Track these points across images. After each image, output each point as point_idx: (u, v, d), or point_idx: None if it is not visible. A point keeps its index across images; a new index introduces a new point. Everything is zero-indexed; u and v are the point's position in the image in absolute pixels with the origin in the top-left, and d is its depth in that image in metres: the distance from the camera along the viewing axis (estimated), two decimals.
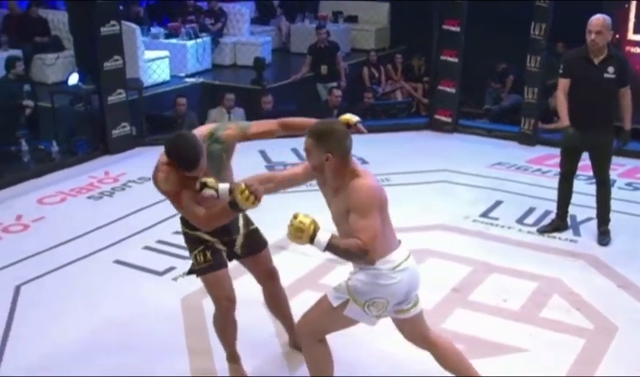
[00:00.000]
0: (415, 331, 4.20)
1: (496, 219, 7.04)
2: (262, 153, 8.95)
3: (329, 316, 3.96)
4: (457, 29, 9.52)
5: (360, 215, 3.64)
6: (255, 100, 10.92)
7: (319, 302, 4.04)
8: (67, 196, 7.84)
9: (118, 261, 6.24)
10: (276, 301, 4.81)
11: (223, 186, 3.96)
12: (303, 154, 8.10)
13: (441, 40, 9.70)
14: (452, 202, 7.46)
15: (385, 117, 10.65)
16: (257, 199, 3.80)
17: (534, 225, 6.88)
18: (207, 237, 4.34)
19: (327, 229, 3.58)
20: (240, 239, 4.54)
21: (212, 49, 13.60)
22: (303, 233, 3.53)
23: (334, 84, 11.76)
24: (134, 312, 5.19)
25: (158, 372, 4.66)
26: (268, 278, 4.73)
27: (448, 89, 9.81)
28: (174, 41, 13.00)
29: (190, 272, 4.47)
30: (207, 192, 3.96)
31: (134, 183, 8.17)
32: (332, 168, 3.79)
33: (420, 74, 13.32)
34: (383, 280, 3.83)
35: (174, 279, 5.90)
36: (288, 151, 8.89)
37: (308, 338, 4.06)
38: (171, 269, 6.06)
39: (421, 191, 7.77)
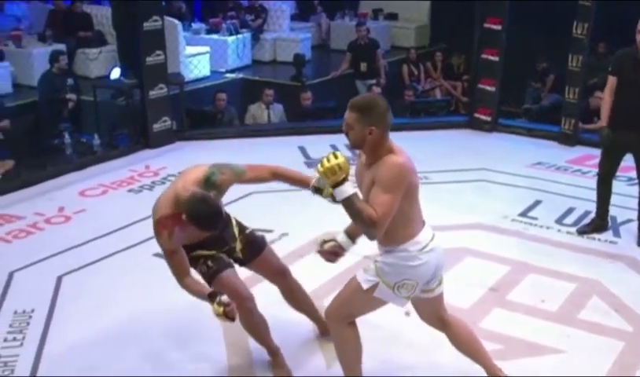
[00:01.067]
0: (434, 310, 4.23)
1: (535, 219, 6.98)
2: (302, 149, 8.95)
3: (360, 298, 3.97)
4: (498, 28, 9.45)
5: (383, 190, 3.63)
6: (294, 97, 10.93)
7: (348, 285, 4.04)
8: (108, 189, 7.91)
9: (157, 255, 6.23)
10: (294, 295, 4.82)
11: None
12: (343, 151, 8.08)
13: (482, 38, 9.63)
14: (491, 201, 7.41)
15: (424, 115, 10.60)
16: (228, 319, 4.00)
17: (573, 225, 6.82)
18: (205, 252, 4.40)
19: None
20: (238, 245, 4.58)
21: (252, 45, 13.63)
22: (341, 171, 3.57)
23: (373, 81, 11.75)
24: (171, 305, 5.20)
25: (196, 365, 4.70)
26: (279, 275, 4.76)
27: (488, 88, 9.73)
28: (215, 36, 13.05)
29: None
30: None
31: (174, 177, 8.17)
32: (372, 142, 3.74)
33: (459, 72, 13.27)
34: (411, 261, 3.83)
35: None
36: (327, 148, 8.87)
37: (338, 321, 4.07)
38: None
39: (460, 189, 7.72)
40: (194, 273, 4.31)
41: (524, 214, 7.10)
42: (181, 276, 4.16)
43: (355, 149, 3.95)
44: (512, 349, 4.84)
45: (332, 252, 4.16)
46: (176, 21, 11.47)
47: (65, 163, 8.61)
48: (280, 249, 6.17)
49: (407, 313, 5.04)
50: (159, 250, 6.19)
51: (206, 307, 4.99)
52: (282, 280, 4.77)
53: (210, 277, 4.36)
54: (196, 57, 12.01)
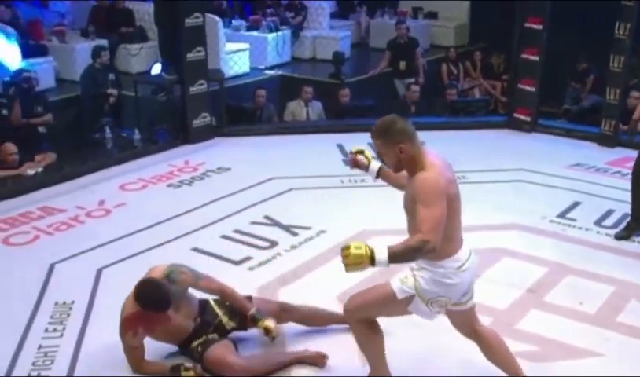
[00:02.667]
0: (466, 322, 4.22)
1: (573, 220, 6.91)
2: (340, 147, 8.93)
3: (390, 305, 3.96)
4: (539, 27, 9.36)
5: (423, 206, 3.62)
6: (332, 94, 10.93)
7: (379, 289, 4.01)
8: (147, 184, 7.97)
9: (195, 249, 6.32)
10: (307, 321, 4.97)
11: None
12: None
13: (522, 38, 9.54)
14: (529, 201, 7.35)
15: (463, 114, 10.53)
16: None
17: (612, 227, 6.74)
18: (197, 342, 4.59)
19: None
20: (224, 318, 4.72)
21: (292, 42, 13.65)
22: (362, 259, 3.52)
23: (412, 80, 11.69)
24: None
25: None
26: (282, 312, 4.86)
27: (528, 88, 9.65)
28: (255, 33, 13.09)
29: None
30: None
31: (213, 173, 8.26)
32: (407, 158, 3.77)
33: (499, 72, 13.18)
34: (448, 279, 3.83)
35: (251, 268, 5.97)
36: (365, 145, 8.84)
37: (358, 319, 4.06)
38: (248, 258, 6.12)
39: (498, 190, 7.67)
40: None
41: (562, 215, 7.03)
42: (135, 366, 4.52)
43: (398, 172, 3.95)
44: (549, 351, 4.80)
45: (357, 162, 4.33)
46: (217, 18, 11.50)
47: (106, 158, 8.69)
48: (317, 246, 6.25)
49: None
50: (197, 244, 6.35)
51: None
52: (287, 315, 4.88)
53: (200, 361, 4.52)
54: (236, 54, 12.05)
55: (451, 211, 3.73)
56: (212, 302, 4.78)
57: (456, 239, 3.87)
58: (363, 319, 4.07)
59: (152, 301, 4.36)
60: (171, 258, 6.05)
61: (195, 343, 4.59)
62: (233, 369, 4.46)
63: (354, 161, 4.37)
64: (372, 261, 3.51)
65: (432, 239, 3.57)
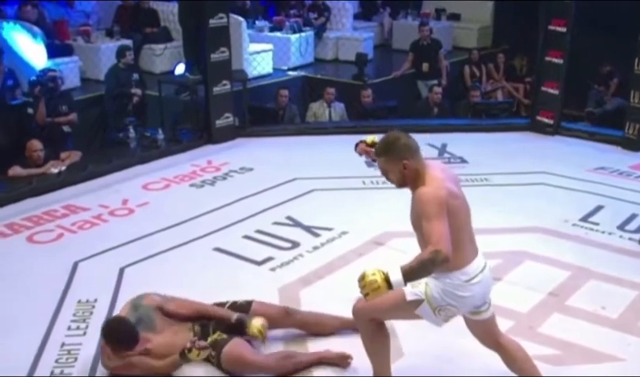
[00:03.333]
0: (487, 332, 4.19)
1: (596, 224, 6.85)
2: None
3: (399, 307, 3.95)
4: (563, 29, 9.29)
5: (426, 220, 3.63)
6: (355, 96, 10.92)
7: (389, 293, 3.90)
8: (170, 183, 7.99)
9: (217, 249, 6.33)
10: (310, 324, 4.96)
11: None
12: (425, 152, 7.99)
13: (546, 40, 9.49)
14: (551, 205, 7.29)
15: (486, 117, 10.49)
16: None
17: (636, 231, 6.67)
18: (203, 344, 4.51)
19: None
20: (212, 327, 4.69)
21: (315, 43, 13.65)
22: (378, 284, 3.52)
23: (435, 82, 11.66)
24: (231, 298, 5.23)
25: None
26: (285, 315, 4.89)
27: (551, 91, 9.58)
28: (278, 34, 13.11)
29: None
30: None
31: (236, 173, 8.27)
32: (411, 175, 3.79)
33: (521, 74, 13.11)
34: (457, 290, 3.84)
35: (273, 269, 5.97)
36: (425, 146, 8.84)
37: (367, 320, 4.07)
38: (270, 258, 6.12)
39: (520, 192, 7.62)
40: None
41: (584, 218, 6.97)
42: (150, 370, 4.44)
43: (401, 188, 3.92)
44: (570, 355, 4.77)
45: (367, 152, 4.39)
46: (240, 18, 11.52)
47: (129, 157, 8.72)
48: (339, 247, 6.24)
49: None
50: (219, 244, 6.37)
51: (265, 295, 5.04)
52: (290, 320, 4.89)
53: (217, 361, 4.48)
54: (260, 55, 12.07)
55: (456, 223, 3.72)
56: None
57: (465, 251, 3.86)
58: (372, 320, 4.06)
59: (118, 340, 4.43)
60: (193, 258, 6.15)
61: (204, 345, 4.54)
62: (252, 367, 4.48)
63: (363, 149, 4.46)
64: (388, 284, 3.52)
65: (442, 247, 3.55)
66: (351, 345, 4.67)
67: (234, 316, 4.65)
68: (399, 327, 4.81)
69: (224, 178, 8.15)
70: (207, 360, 4.50)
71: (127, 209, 7.30)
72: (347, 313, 4.94)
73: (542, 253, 6.21)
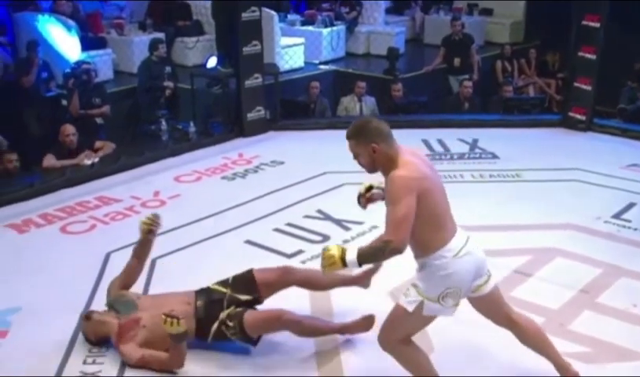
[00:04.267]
0: (495, 307, 4.18)
1: (629, 221, 6.78)
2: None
3: (409, 321, 3.95)
4: (597, 25, 9.20)
5: (390, 206, 3.70)
6: (386, 90, 10.90)
7: (394, 313, 4.02)
8: (202, 175, 8.02)
9: (248, 242, 6.35)
10: (309, 281, 4.98)
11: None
12: (435, 146, 8.02)
13: (579, 36, 9.41)
14: (583, 201, 7.23)
15: (517, 112, 10.41)
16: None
17: None
18: (217, 324, 4.63)
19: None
20: (232, 292, 4.78)
21: (346, 37, 13.63)
22: (334, 261, 3.74)
23: (466, 77, 11.60)
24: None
25: (286, 352, 4.74)
26: (284, 274, 4.91)
27: (584, 87, 9.50)
28: (310, 28, 13.10)
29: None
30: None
31: (267, 166, 8.29)
32: (381, 158, 3.82)
33: (554, 70, 13.01)
34: (445, 269, 3.81)
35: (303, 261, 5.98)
36: (419, 143, 8.83)
37: (394, 347, 4.05)
38: (300, 251, 6.14)
39: (552, 189, 7.56)
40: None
41: (617, 216, 6.90)
42: (162, 364, 4.50)
43: (373, 172, 3.95)
44: (600, 353, 4.74)
45: (370, 200, 4.35)
46: (273, 12, 11.54)
47: (161, 149, 8.76)
48: (369, 241, 6.18)
49: None
50: (250, 237, 6.39)
51: (295, 295, 5.05)
52: (290, 277, 4.88)
53: (240, 330, 4.56)
54: (291, 48, 12.09)
55: (432, 204, 3.77)
56: (212, 285, 4.83)
57: (445, 228, 3.86)
58: (399, 344, 4.04)
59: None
60: (223, 250, 6.16)
61: (216, 325, 4.60)
62: (281, 319, 4.55)
63: (367, 200, 4.39)
64: (343, 262, 3.69)
65: (394, 239, 3.65)
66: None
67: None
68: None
69: (255, 171, 8.17)
70: (221, 333, 4.58)
71: (159, 200, 7.34)
72: (377, 307, 4.97)
73: (573, 250, 6.16)
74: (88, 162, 8.07)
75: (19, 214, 6.97)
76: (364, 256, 3.76)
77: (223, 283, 4.83)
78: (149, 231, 4.96)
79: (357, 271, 4.61)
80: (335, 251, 3.76)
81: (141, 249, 5.03)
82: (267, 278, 4.82)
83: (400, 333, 4.01)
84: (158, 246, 6.15)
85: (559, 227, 6.60)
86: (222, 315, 4.61)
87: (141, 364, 4.51)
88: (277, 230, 6.57)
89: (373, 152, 3.81)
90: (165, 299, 4.81)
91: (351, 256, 3.73)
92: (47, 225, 6.81)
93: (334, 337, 4.83)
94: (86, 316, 4.74)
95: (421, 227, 3.75)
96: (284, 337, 4.75)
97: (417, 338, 4.41)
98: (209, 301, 4.71)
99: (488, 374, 4.51)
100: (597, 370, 4.54)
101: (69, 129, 8.21)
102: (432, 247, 3.82)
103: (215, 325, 4.62)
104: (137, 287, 5.43)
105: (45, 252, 6.26)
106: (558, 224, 6.66)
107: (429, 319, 3.98)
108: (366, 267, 4.52)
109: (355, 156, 3.92)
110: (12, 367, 4.60)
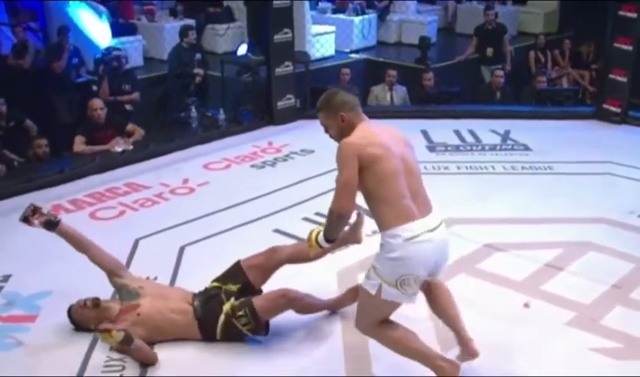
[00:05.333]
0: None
1: None
2: (424, 133, 8.88)
3: (374, 304, 3.93)
4: (634, 15, 9.09)
5: (338, 171, 3.81)
6: (418, 80, 10.85)
7: (361, 297, 4.04)
8: (231, 163, 8.04)
9: (277, 231, 6.35)
10: (294, 256, 4.96)
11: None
12: (466, 136, 7.97)
13: (616, 27, 9.30)
14: (617, 196, 7.15)
15: (550, 104, 10.34)
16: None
17: None
18: (223, 317, 4.63)
19: None
20: (225, 286, 4.80)
21: (378, 26, 13.60)
22: (311, 243, 4.01)
23: (499, 67, 11.52)
24: (290, 283, 5.25)
25: (313, 346, 4.73)
26: (271, 253, 4.95)
27: (619, 79, 9.39)
28: (341, 16, 13.09)
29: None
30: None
31: (296, 154, 8.29)
32: (349, 126, 3.91)
33: (588, 61, 12.90)
34: (395, 251, 3.76)
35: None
36: (450, 133, 8.80)
37: (373, 331, 4.05)
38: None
39: (585, 182, 7.48)
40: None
41: None
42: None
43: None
44: (633, 349, 4.69)
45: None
46: (304, 0, 11.53)
47: (191, 137, 8.79)
48: None
49: (527, 305, 5.00)
50: (279, 226, 6.40)
51: (323, 285, 5.05)
52: (277, 257, 4.90)
53: (254, 317, 4.57)
54: (322, 36, 12.10)
55: (381, 178, 3.78)
56: (208, 284, 4.86)
57: (401, 207, 3.79)
58: (376, 327, 4.02)
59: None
60: (253, 239, 6.16)
61: (222, 318, 4.61)
62: (287, 296, 4.62)
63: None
64: (319, 245, 3.98)
65: (334, 206, 3.79)
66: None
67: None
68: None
69: (285, 160, 8.18)
70: (230, 326, 4.59)
71: (188, 188, 7.37)
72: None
73: (606, 244, 6.09)
74: (119, 149, 8.10)
75: (49, 200, 7.01)
76: (325, 232, 3.94)
77: (216, 279, 4.86)
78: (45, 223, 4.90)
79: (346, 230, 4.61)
80: (313, 234, 4.00)
81: (70, 242, 4.97)
82: (254, 262, 4.84)
83: (372, 316, 4.00)
84: (186, 233, 6.25)
85: (591, 221, 6.54)
86: (226, 307, 4.61)
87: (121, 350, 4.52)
88: (306, 219, 6.56)
89: (342, 122, 3.91)
90: (168, 292, 4.88)
91: (320, 235, 3.95)
92: (77, 211, 6.86)
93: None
94: (95, 304, 4.71)
95: (374, 199, 3.82)
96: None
97: (444, 327, 4.43)
98: (206, 298, 4.72)
99: (511, 369, 4.47)
100: (628, 366, 4.50)
101: (97, 103, 8.24)
102: (386, 223, 3.79)
103: (222, 319, 4.61)
104: (164, 276, 5.49)
105: None
106: (591, 217, 6.60)
107: (393, 304, 3.93)
108: (352, 222, 4.68)
109: (326, 129, 4.02)
110: (39, 351, 4.64)
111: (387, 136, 3.92)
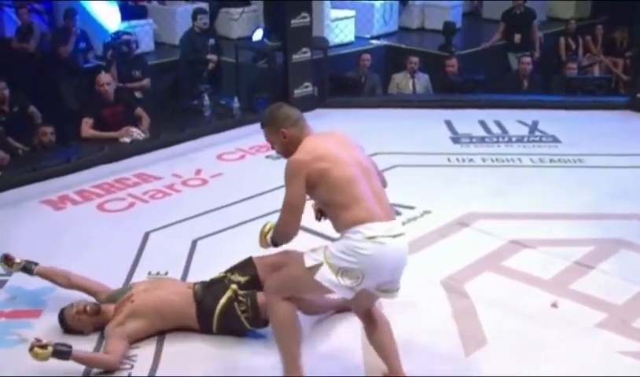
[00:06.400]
0: (369, 301, 4.16)
1: None
2: (448, 124, 8.86)
3: (300, 275, 3.96)
4: None
5: (285, 189, 3.88)
6: (441, 67, 10.82)
7: (294, 260, 4.11)
8: (246, 154, 8.06)
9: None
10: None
11: None
12: (492, 127, 7.95)
13: None
14: None
15: (582, 93, 10.29)
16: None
17: None
18: (218, 312, 4.71)
19: None
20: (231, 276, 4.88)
21: (400, 10, 13.56)
22: (260, 238, 4.08)
23: (527, 54, 11.47)
24: None
25: (331, 340, 4.75)
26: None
27: None
28: (361, 0, 13.05)
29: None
30: None
31: None
32: (293, 143, 3.95)
33: (622, 48, 12.82)
34: (359, 247, 3.77)
35: None
36: (475, 124, 8.78)
37: (275, 293, 4.04)
38: None
39: (617, 175, 7.44)
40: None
41: None
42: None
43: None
44: None
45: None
46: None
47: (204, 126, 8.82)
48: (420, 227, 6.21)
49: (555, 305, 4.99)
50: None
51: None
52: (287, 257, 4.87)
53: (253, 308, 4.66)
54: (342, 21, 12.06)
55: (331, 185, 3.83)
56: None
57: (361, 207, 3.82)
58: (281, 295, 4.01)
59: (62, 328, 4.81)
60: None
61: (224, 300, 4.68)
62: (293, 283, 4.57)
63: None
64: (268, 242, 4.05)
65: (279, 226, 3.93)
66: None
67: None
68: (480, 311, 4.86)
69: None
70: (230, 308, 4.66)
71: (200, 179, 7.39)
72: (428, 295, 5.00)
73: (639, 241, 6.06)
74: (127, 140, 8.10)
75: (55, 190, 7.08)
76: (273, 237, 4.02)
77: (224, 271, 4.92)
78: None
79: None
80: (266, 227, 4.08)
81: (48, 278, 5.12)
82: (266, 260, 4.87)
83: (290, 286, 4.03)
84: (199, 226, 6.26)
85: (624, 217, 6.50)
86: (229, 291, 4.69)
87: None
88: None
89: (284, 138, 3.97)
90: (163, 282, 5.01)
91: (270, 234, 4.03)
92: (84, 202, 6.91)
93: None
94: (96, 311, 4.75)
95: (331, 206, 3.89)
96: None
97: (467, 326, 4.43)
98: (209, 283, 4.80)
99: (537, 372, 4.46)
100: None
101: (105, 78, 8.30)
102: (344, 225, 3.83)
103: (223, 301, 4.67)
104: (175, 271, 5.52)
105: (81, 230, 6.33)
106: (623, 213, 6.56)
107: (320, 288, 3.91)
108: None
109: (271, 145, 4.09)
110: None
111: (335, 145, 3.99)
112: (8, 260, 5.09)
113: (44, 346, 4.17)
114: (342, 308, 4.88)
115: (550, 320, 4.88)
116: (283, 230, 3.92)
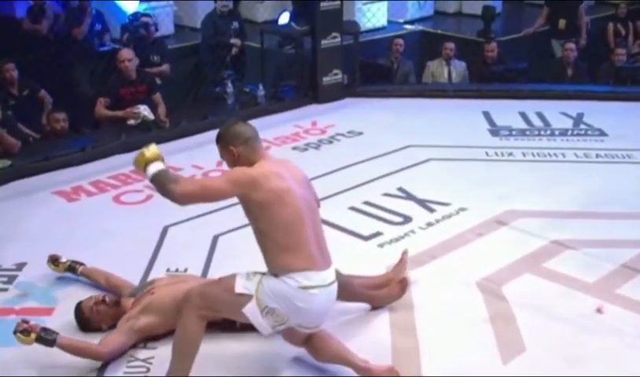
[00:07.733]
0: (300, 335, 4.27)
1: None
2: (486, 115, 8.83)
3: (226, 299, 4.04)
4: None
5: (213, 177, 4.05)
6: (480, 55, 10.77)
7: (226, 279, 4.11)
8: (270, 145, 8.04)
9: (321, 221, 6.35)
10: None
11: None
12: (533, 119, 7.91)
13: None
14: None
15: (631, 83, 10.22)
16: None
17: None
18: None
19: None
20: None
21: None
22: (138, 163, 4.07)
23: (572, 41, 11.38)
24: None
25: (357, 339, 4.72)
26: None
27: None
28: None
29: None
30: None
31: (343, 136, 8.31)
32: (243, 161, 4.03)
33: None
34: (292, 297, 3.92)
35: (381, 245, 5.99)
36: (515, 115, 8.74)
37: (194, 308, 4.07)
38: (378, 234, 6.14)
39: None
40: None
41: None
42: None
43: None
44: None
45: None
46: None
47: (226, 114, 8.79)
48: (456, 225, 6.21)
49: (600, 310, 4.97)
50: (323, 215, 6.00)
51: None
52: None
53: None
54: (374, 5, 12.04)
55: (275, 218, 3.93)
56: None
57: (304, 253, 3.96)
58: (198, 311, 4.06)
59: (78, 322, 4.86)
60: None
61: None
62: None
63: None
64: (145, 167, 4.03)
65: (180, 189, 3.94)
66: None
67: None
68: (519, 316, 4.84)
69: (330, 142, 8.19)
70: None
71: (222, 171, 7.32)
72: (463, 298, 4.99)
73: None
74: (133, 122, 8.13)
75: (68, 181, 7.12)
76: (157, 177, 4.00)
77: None
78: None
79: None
80: (150, 152, 4.06)
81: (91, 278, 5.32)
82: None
83: (211, 305, 4.08)
84: (220, 222, 6.27)
85: None
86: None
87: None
88: (352, 209, 6.59)
89: (234, 156, 4.05)
90: (186, 277, 5.07)
91: (152, 169, 4.02)
92: (99, 194, 6.96)
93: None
94: (115, 302, 4.81)
95: (270, 242, 3.97)
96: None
97: (505, 332, 4.42)
98: None
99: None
100: None
101: (126, 54, 8.35)
102: (283, 268, 3.93)
103: None
104: (195, 268, 5.54)
105: (96, 223, 6.37)
106: None
107: (241, 317, 4.05)
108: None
109: (224, 161, 4.19)
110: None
111: (289, 177, 4.08)
112: (55, 260, 5.29)
113: (26, 332, 4.27)
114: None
115: (595, 327, 4.85)
116: (177, 194, 3.94)
